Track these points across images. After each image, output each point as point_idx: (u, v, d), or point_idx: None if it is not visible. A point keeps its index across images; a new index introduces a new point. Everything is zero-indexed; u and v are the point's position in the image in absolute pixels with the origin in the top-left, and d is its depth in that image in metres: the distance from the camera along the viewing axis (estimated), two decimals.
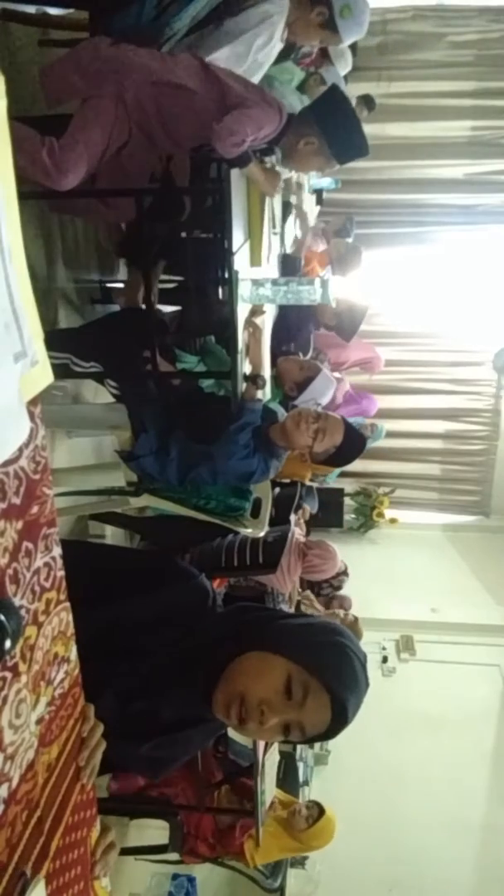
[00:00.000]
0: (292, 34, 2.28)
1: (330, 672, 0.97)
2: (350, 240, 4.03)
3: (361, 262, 3.73)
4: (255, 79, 2.22)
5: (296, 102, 2.63)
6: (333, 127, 2.00)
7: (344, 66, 3.37)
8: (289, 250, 3.15)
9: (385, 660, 4.94)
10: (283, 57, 2.87)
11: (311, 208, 3.78)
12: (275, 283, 2.28)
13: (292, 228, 3.23)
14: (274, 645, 1.00)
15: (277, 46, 2.26)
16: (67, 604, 0.76)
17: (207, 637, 1.07)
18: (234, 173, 1.98)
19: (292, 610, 3.33)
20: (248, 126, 1.83)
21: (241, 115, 1.84)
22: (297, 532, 3.33)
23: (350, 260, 3.68)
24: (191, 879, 3.01)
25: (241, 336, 2.24)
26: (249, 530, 2.44)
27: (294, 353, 3.17)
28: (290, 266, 3.05)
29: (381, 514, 6.02)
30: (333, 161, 2.07)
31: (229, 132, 1.81)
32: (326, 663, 0.98)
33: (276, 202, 2.62)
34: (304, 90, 3.00)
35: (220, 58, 2.08)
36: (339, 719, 0.97)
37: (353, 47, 3.32)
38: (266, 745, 2.53)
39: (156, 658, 1.06)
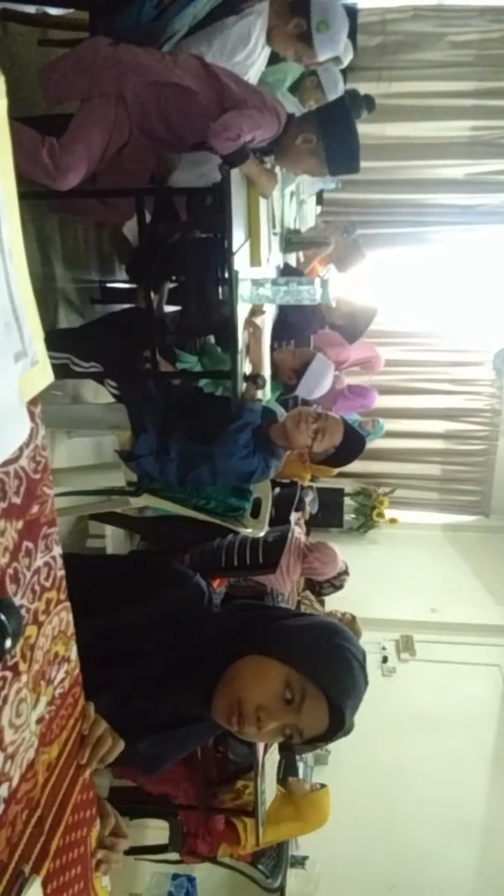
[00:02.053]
0: (270, 40, 2.27)
1: (327, 677, 0.97)
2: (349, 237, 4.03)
3: (363, 256, 3.73)
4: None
5: (290, 105, 2.62)
6: (334, 132, 2.00)
7: (345, 56, 3.38)
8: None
9: (385, 660, 4.94)
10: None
11: (311, 208, 3.78)
12: (275, 283, 2.28)
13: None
14: (272, 649, 1.00)
15: (264, 51, 2.25)
16: (68, 603, 0.76)
17: (205, 638, 1.08)
18: (235, 173, 1.98)
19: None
20: (244, 123, 1.84)
21: (236, 114, 1.85)
22: (297, 531, 3.33)
23: (350, 256, 3.68)
24: (191, 879, 3.01)
25: (241, 336, 2.24)
26: (249, 530, 2.44)
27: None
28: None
29: (381, 514, 6.01)
30: (325, 167, 2.07)
31: (224, 127, 1.82)
32: (324, 668, 0.98)
33: (276, 202, 2.62)
34: (300, 91, 2.98)
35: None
36: (337, 723, 0.97)
37: (354, 41, 3.32)
38: (266, 745, 2.53)
39: (154, 660, 1.07)
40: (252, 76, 2.24)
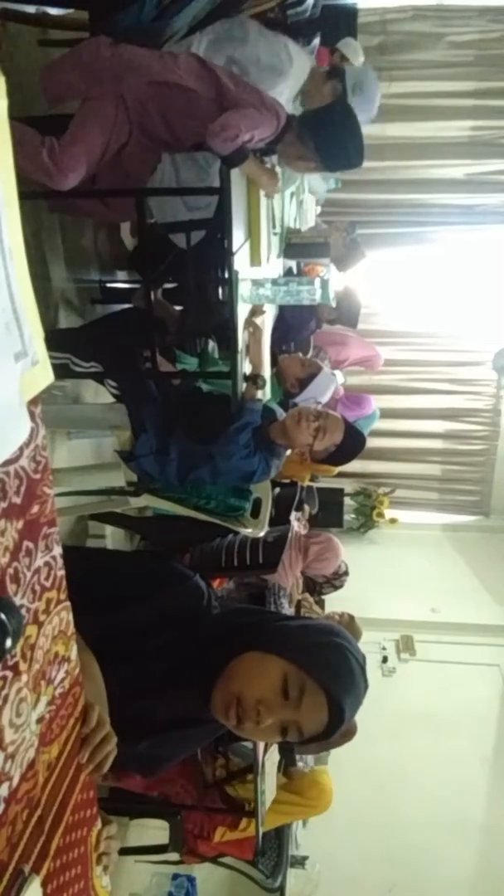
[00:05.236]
0: (305, 101, 2.31)
1: (326, 672, 0.97)
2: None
3: (363, 256, 3.73)
4: None
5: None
6: (333, 130, 2.00)
7: (356, 56, 3.42)
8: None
9: (385, 660, 4.93)
10: None
11: (311, 208, 3.79)
12: (275, 283, 2.28)
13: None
14: (270, 645, 1.00)
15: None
16: (68, 603, 0.76)
17: (205, 638, 1.08)
18: (235, 173, 1.98)
19: (293, 606, 3.33)
20: (242, 123, 1.84)
21: (234, 113, 1.85)
22: (297, 525, 3.33)
23: (350, 255, 3.68)
24: (191, 879, 3.01)
25: (241, 336, 2.24)
26: (249, 530, 2.44)
27: (294, 352, 3.18)
28: None
29: (381, 514, 6.01)
30: (323, 165, 2.08)
31: (222, 127, 1.82)
32: (322, 663, 0.98)
33: (276, 202, 2.62)
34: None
35: None
36: (336, 719, 0.96)
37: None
38: (266, 744, 2.53)
39: (154, 660, 1.07)
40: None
